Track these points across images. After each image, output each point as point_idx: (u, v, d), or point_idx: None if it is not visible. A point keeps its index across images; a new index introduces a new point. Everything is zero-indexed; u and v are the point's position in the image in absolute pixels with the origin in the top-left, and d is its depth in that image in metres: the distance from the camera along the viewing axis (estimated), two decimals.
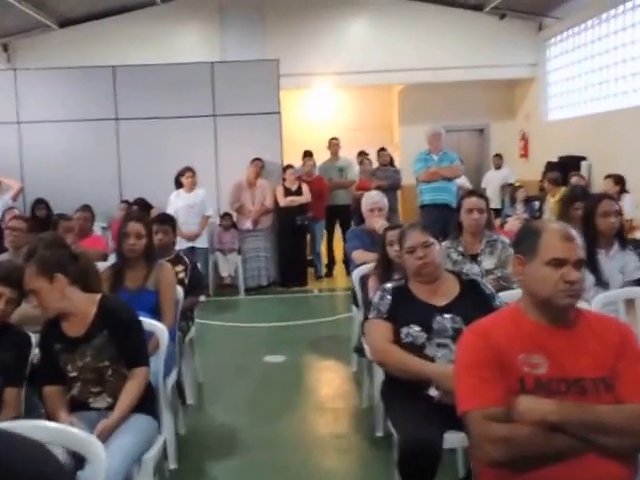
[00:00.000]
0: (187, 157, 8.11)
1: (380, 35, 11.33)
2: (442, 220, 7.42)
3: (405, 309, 2.99)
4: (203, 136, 8.53)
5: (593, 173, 9.46)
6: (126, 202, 8.20)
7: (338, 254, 9.18)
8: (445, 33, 11.32)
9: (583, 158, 9.80)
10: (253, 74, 8.58)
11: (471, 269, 4.11)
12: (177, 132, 8.46)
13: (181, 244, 7.60)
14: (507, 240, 4.26)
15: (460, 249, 4.17)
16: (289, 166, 8.48)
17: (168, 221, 4.75)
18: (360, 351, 4.49)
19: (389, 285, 3.13)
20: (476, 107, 12.09)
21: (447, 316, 2.94)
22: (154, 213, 8.00)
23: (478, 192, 4.37)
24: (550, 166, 10.10)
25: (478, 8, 11.34)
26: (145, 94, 8.49)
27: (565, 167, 9.38)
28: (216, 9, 11.11)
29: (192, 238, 7.70)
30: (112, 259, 4.96)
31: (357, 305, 4.82)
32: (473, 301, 2.99)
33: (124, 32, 10.85)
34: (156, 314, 3.70)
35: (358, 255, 4.89)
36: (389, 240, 4.09)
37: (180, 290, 4.16)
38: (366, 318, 3.26)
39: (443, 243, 4.12)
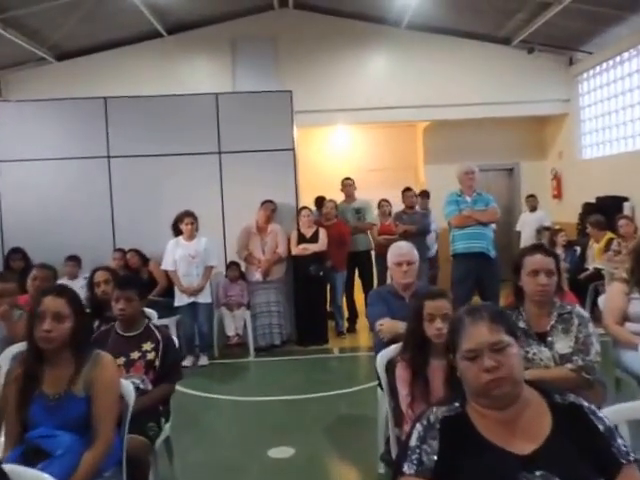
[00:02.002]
0: (189, 199, 6.91)
1: (401, 69, 10.14)
2: (477, 271, 6.11)
3: (466, 464, 1.65)
4: (207, 176, 7.28)
5: (637, 215, 8.04)
6: (120, 250, 6.97)
7: (360, 306, 7.79)
8: (471, 68, 10.08)
9: (625, 199, 8.42)
10: (264, 106, 7.35)
11: (540, 353, 2.84)
12: (178, 171, 7.25)
13: (182, 299, 6.33)
14: (584, 313, 2.92)
15: (522, 325, 2.91)
16: (304, 208, 7.17)
17: (132, 284, 3.43)
18: (388, 462, 3.11)
19: (436, 414, 1.76)
20: (505, 145, 10.77)
21: (538, 474, 1.60)
22: (152, 265, 6.77)
23: (544, 247, 3.03)
24: (588, 208, 8.77)
25: (505, 42, 10.10)
26: (140, 129, 7.28)
27: (605, 209, 8.08)
28: (228, 42, 9.98)
29: (194, 292, 6.39)
30: None
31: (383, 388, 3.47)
32: (577, 443, 1.66)
33: (126, 65, 9.73)
34: (88, 430, 2.36)
35: (386, 326, 3.57)
36: (428, 313, 2.78)
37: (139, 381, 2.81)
38: (397, 470, 1.77)
39: None
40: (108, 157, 7.28)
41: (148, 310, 4.50)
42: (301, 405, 5.10)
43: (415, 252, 3.87)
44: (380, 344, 3.63)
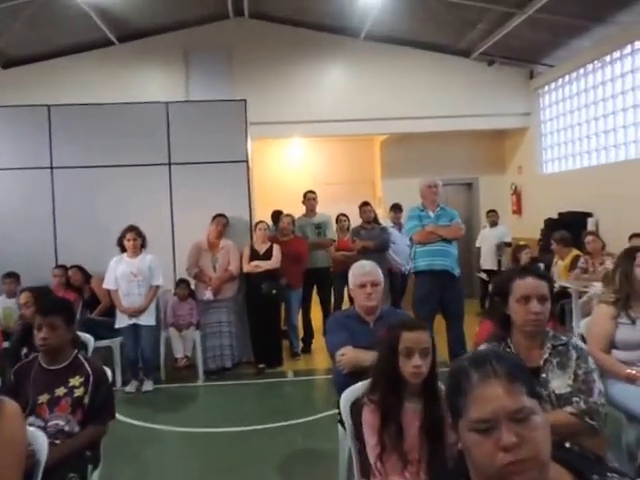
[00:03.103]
0: (137, 213, 6.46)
1: (359, 81, 9.85)
2: (440, 290, 5.82)
3: None
4: (156, 188, 6.83)
5: (602, 231, 7.89)
6: (62, 267, 6.47)
7: (317, 324, 7.43)
8: (430, 80, 9.88)
9: (589, 214, 8.27)
10: (217, 116, 6.96)
11: None
12: (125, 184, 6.78)
13: (123, 320, 5.86)
14: (582, 344, 2.57)
15: None
16: (260, 222, 6.78)
17: (56, 310, 2.99)
18: None
19: None
20: (464, 159, 10.57)
21: None
22: (95, 282, 6.29)
23: (536, 269, 2.69)
24: (551, 223, 8.60)
25: (465, 54, 9.93)
26: (86, 138, 6.81)
27: (568, 225, 7.90)
28: (181, 52, 9.56)
29: (134, 313, 5.91)
30: None
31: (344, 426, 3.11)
32: None
33: (75, 74, 9.20)
34: None
35: (347, 358, 3.18)
36: (405, 347, 2.45)
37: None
38: None
39: (479, 349, 2.50)
40: (51, 168, 6.79)
41: (84, 336, 4.06)
42: (253, 437, 4.65)
43: (380, 272, 3.52)
44: (340, 376, 3.27)
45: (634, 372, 3.03)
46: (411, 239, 5.98)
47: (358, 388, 2.74)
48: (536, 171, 10.04)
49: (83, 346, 3.81)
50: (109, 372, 3.12)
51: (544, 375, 2.49)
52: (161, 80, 9.53)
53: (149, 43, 9.57)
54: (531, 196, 10.10)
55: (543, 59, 9.68)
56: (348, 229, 7.85)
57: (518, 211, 10.41)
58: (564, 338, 2.53)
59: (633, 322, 3.16)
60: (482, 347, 2.58)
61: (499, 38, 8.97)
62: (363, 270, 3.48)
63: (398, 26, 9.45)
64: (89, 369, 2.96)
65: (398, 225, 8.00)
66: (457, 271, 5.98)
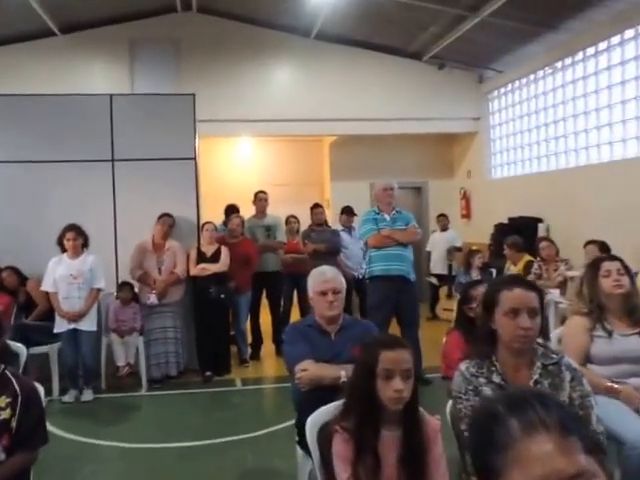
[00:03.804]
0: (78, 212, 6.02)
1: (309, 81, 9.61)
2: (396, 295, 5.62)
3: None
4: (98, 186, 6.39)
5: (553, 236, 7.85)
6: None
7: (266, 329, 7.11)
8: (380, 82, 9.71)
9: (539, 220, 8.23)
10: (163, 111, 6.57)
11: None
12: (65, 181, 6.32)
13: (62, 325, 5.42)
14: (574, 364, 2.35)
15: (495, 379, 2.26)
16: (207, 223, 6.42)
17: None
18: None
19: None
20: (413, 163, 10.44)
21: None
22: (31, 285, 5.82)
23: (524, 279, 2.46)
24: (501, 228, 8.52)
25: (416, 56, 9.82)
26: (22, 132, 6.32)
27: (518, 230, 7.85)
28: (126, 44, 9.10)
29: (74, 318, 5.48)
30: None
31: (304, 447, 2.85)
32: None
33: (13, 65, 8.62)
34: None
35: (308, 374, 2.90)
36: (385, 369, 2.18)
37: None
38: None
39: (461, 367, 2.24)
40: None
41: (15, 345, 3.65)
42: (200, 454, 4.32)
43: (342, 278, 3.25)
44: (299, 392, 2.98)
45: (616, 385, 2.85)
46: (366, 243, 5.76)
47: (326, 411, 2.45)
48: (485, 176, 10.01)
49: (14, 357, 3.41)
50: (41, 390, 2.74)
51: None
52: (105, 73, 9.05)
53: (93, 35, 9.08)
54: (480, 201, 10.06)
55: (493, 64, 9.65)
56: (298, 231, 7.60)
57: (467, 215, 10.35)
58: (555, 356, 2.30)
59: (609, 335, 2.98)
60: (463, 365, 2.34)
61: (450, 42, 8.87)
62: (324, 277, 3.20)
63: (349, 26, 9.25)
64: (17, 388, 2.57)
65: (349, 229, 7.74)
66: (413, 276, 5.81)
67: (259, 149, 11.05)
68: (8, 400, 2.55)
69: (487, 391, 2.20)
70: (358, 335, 3.09)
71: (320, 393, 2.81)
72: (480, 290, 3.44)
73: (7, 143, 6.30)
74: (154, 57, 9.13)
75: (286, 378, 6.03)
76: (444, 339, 3.70)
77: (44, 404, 2.80)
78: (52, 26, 8.70)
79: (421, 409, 2.23)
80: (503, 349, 2.28)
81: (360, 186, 10.11)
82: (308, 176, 10.97)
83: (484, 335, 2.35)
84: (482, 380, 2.24)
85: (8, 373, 2.64)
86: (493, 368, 2.27)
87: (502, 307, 2.25)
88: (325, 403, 2.64)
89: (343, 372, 2.89)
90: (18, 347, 3.54)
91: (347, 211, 7.95)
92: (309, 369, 2.91)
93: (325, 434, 2.30)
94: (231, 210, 7.27)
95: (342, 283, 3.22)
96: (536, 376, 2.24)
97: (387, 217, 5.78)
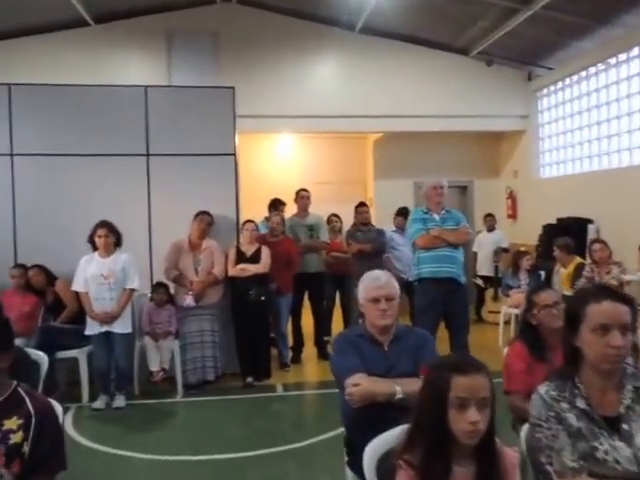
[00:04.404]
0: (111, 208, 5.67)
1: (353, 76, 9.18)
2: (445, 299, 5.17)
3: None
4: (132, 181, 6.04)
5: (603, 238, 7.30)
6: (21, 267, 5.65)
7: (308, 332, 6.73)
8: (426, 77, 9.25)
9: (589, 221, 7.68)
10: (202, 104, 6.19)
11: (614, 451, 1.83)
12: (97, 175, 5.96)
13: (93, 328, 5.11)
14: None
15: (581, 404, 1.90)
16: (248, 221, 6.03)
17: None
18: None
19: None
20: (459, 161, 9.93)
21: None
22: (60, 285, 5.51)
23: (614, 291, 2.02)
24: (550, 229, 8.00)
25: (463, 52, 9.31)
26: (53, 123, 5.96)
27: (567, 231, 7.33)
28: (163, 36, 8.78)
29: (106, 320, 5.14)
30: None
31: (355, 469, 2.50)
32: None
33: (45, 55, 8.38)
34: None
35: (360, 390, 2.54)
36: (458, 397, 1.78)
37: None
38: None
39: (540, 390, 1.98)
40: (11, 155, 5.91)
41: (37, 354, 3.31)
42: (239, 468, 3.91)
43: (396, 284, 2.84)
44: (349, 410, 2.61)
45: None
46: (414, 244, 5.31)
47: (387, 439, 2.05)
48: (533, 175, 9.45)
49: (35, 367, 3.07)
50: (59, 409, 2.38)
51: (626, 427, 1.86)
52: (140, 66, 8.74)
53: (128, 25, 8.77)
54: (527, 200, 9.50)
55: (542, 61, 9.11)
56: (340, 231, 7.20)
57: (513, 216, 9.81)
58: None
59: None
60: (542, 388, 1.98)
61: (500, 36, 8.36)
62: (377, 282, 2.79)
63: (396, 20, 8.80)
64: (31, 407, 2.21)
65: (402, 230, 7.21)
66: (463, 279, 5.35)
67: (300, 146, 10.64)
68: (20, 422, 2.18)
69: (571, 418, 1.81)
70: (413, 346, 2.74)
71: (373, 410, 2.51)
72: (543, 296, 3.10)
73: (35, 135, 5.94)
74: (192, 50, 8.80)
75: (330, 384, 5.59)
76: (505, 350, 3.26)
77: (62, 420, 2.45)
78: (86, 16, 8.42)
79: (497, 439, 1.84)
80: (588, 370, 1.93)
81: (404, 185, 9.68)
82: (350, 174, 10.53)
83: (566, 354, 1.99)
84: (564, 405, 1.91)
85: (21, 391, 2.28)
86: (576, 391, 1.92)
87: (589, 323, 1.90)
88: (378, 421, 2.36)
89: (398, 388, 2.55)
90: (39, 356, 3.20)
91: (403, 213, 7.42)
92: (361, 384, 2.56)
93: (386, 467, 1.93)
94: (276, 204, 6.89)
95: (396, 289, 2.81)
96: (627, 401, 1.88)
97: (436, 217, 5.32)
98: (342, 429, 4.11)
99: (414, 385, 2.58)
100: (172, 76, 8.69)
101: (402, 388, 2.52)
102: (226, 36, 8.90)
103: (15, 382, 2.28)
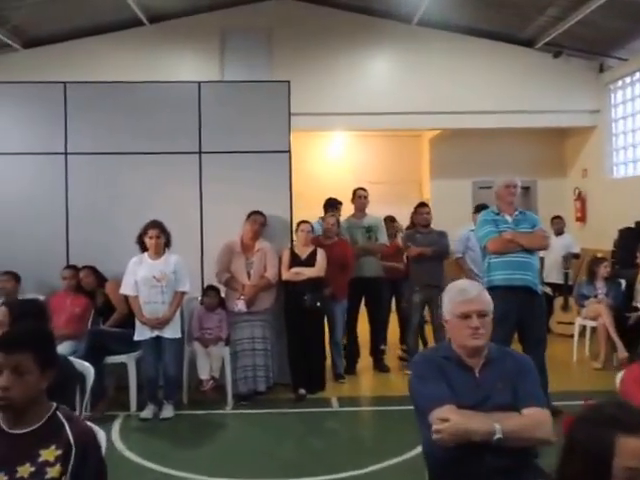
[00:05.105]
0: (161, 207, 5.42)
1: (409, 71, 8.79)
2: (519, 309, 4.72)
3: None
4: (183, 180, 5.78)
5: None
6: (72, 268, 5.47)
7: (363, 340, 6.35)
8: (488, 71, 8.76)
9: None
10: (255, 100, 5.90)
11: None
12: (148, 174, 5.74)
13: (143, 333, 4.84)
14: None
15: None
16: (303, 222, 5.68)
17: (28, 345, 1.93)
18: None
19: None
20: (522, 160, 9.37)
21: None
22: (110, 287, 5.28)
23: None
24: (628, 233, 7.41)
25: (529, 43, 8.79)
26: (106, 121, 5.77)
27: None
28: (217, 34, 8.56)
29: (157, 324, 4.87)
30: None
31: None
32: None
33: (102, 54, 8.27)
34: None
35: (452, 425, 2.14)
36: (628, 467, 1.31)
37: None
38: None
39: None
40: (65, 154, 5.76)
41: (82, 365, 3.03)
42: None
43: (488, 297, 2.43)
44: (433, 449, 2.22)
45: None
46: (484, 248, 4.88)
47: None
48: (605, 174, 8.85)
49: (79, 379, 2.79)
50: (102, 436, 2.07)
51: None
52: (194, 64, 8.55)
53: (182, 24, 8.61)
54: (598, 202, 8.90)
55: (615, 51, 8.51)
56: (396, 233, 6.81)
57: (582, 218, 9.21)
58: None
59: None
60: None
61: (570, 26, 7.83)
62: (466, 295, 2.38)
63: (455, 11, 8.37)
64: (71, 436, 1.90)
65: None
66: (539, 287, 4.90)
67: (353, 144, 10.28)
68: (58, 453, 1.88)
69: None
70: (510, 372, 2.31)
71: (465, 452, 2.11)
72: None
73: (89, 133, 5.77)
74: (245, 47, 8.56)
75: (390, 400, 5.26)
76: (619, 375, 2.82)
77: (105, 450, 2.14)
78: (141, 16, 8.30)
79: None
80: None
81: (462, 184, 9.23)
82: (404, 174, 10.11)
83: None
84: None
85: (60, 415, 1.97)
86: None
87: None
88: (471, 466, 2.09)
89: (498, 426, 2.13)
90: (84, 366, 2.93)
91: (480, 209, 6.88)
92: (452, 419, 2.14)
93: None
94: (332, 204, 6.55)
95: (489, 303, 2.39)
96: None
97: (509, 218, 4.87)
98: (410, 455, 3.74)
99: (516, 422, 2.18)
100: (225, 75, 8.47)
101: (502, 426, 2.11)
102: (280, 33, 8.62)
103: (54, 404, 1.99)
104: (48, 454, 1.88)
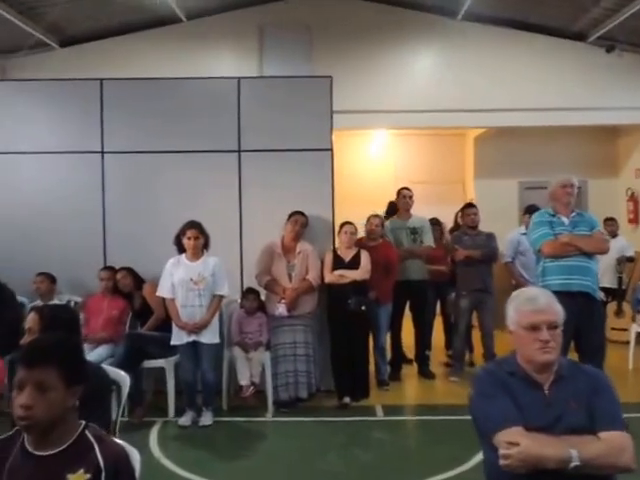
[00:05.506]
0: (199, 208, 5.28)
1: (453, 67, 8.46)
2: (577, 316, 4.40)
3: None
4: (222, 179, 5.63)
5: None
6: (110, 269, 5.37)
7: (408, 345, 6.13)
8: (536, 67, 8.38)
9: None
10: (296, 96, 5.72)
11: None
12: (186, 173, 5.61)
13: (180, 337, 4.71)
14: None
15: None
16: (346, 223, 5.47)
17: (53, 359, 1.77)
18: None
19: None
20: (570, 159, 8.95)
21: None
22: (147, 289, 5.17)
23: None
24: None
25: (580, 37, 8.40)
26: (143, 119, 5.66)
27: None
28: (255, 30, 8.40)
29: (194, 329, 4.73)
30: None
31: None
32: None
33: (139, 52, 8.20)
34: None
35: (522, 451, 1.96)
36: None
37: None
38: None
39: None
40: (102, 152, 5.67)
41: (118, 375, 2.87)
42: None
43: (559, 306, 2.20)
44: (499, 476, 2.01)
45: None
46: (539, 251, 4.60)
47: None
48: None
49: (112, 388, 2.65)
50: (136, 458, 1.90)
51: None
52: (232, 61, 8.38)
53: (220, 20, 8.43)
54: None
55: None
56: (441, 235, 6.57)
57: (635, 220, 8.79)
58: None
59: None
60: None
61: (625, 18, 7.44)
62: (534, 304, 2.16)
63: (502, 4, 8.05)
64: (101, 458, 1.74)
65: None
66: (598, 294, 4.60)
67: (394, 144, 10.00)
68: (87, 477, 1.72)
69: None
70: (584, 390, 2.08)
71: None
72: None
73: (126, 132, 5.67)
74: (284, 44, 8.36)
75: (438, 409, 5.01)
76: None
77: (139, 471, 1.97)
78: (179, 12, 8.20)
79: None
80: None
81: (508, 185, 8.91)
82: (447, 173, 9.80)
83: None
84: None
85: (90, 435, 1.80)
86: None
87: None
88: None
89: (574, 452, 1.92)
90: (120, 377, 2.77)
91: (531, 210, 6.43)
92: (522, 443, 1.93)
93: None
94: (393, 209, 6.36)
95: (561, 314, 2.17)
96: None
97: (565, 220, 4.59)
98: (462, 469, 3.50)
99: (595, 448, 1.94)
100: (264, 72, 8.30)
101: (579, 452, 1.89)
102: (319, 28, 8.39)
103: (83, 423, 1.83)
104: (76, 478, 1.72)
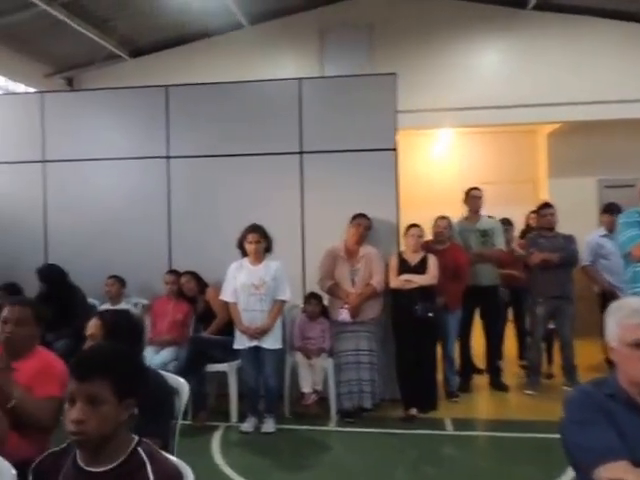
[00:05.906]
0: (261, 211, 5.15)
1: (524, 60, 8.18)
2: None
3: None
4: (284, 182, 5.54)
5: None
6: (174, 273, 5.38)
7: (477, 355, 5.83)
8: (614, 56, 8.01)
9: None
10: (358, 95, 5.55)
11: None
12: (249, 176, 5.56)
13: (242, 342, 4.59)
14: None
15: None
16: (413, 226, 5.22)
17: (105, 371, 1.64)
18: None
19: None
20: None
21: None
22: (211, 293, 5.09)
23: None
24: None
25: None
26: (207, 124, 5.70)
27: None
28: (316, 32, 8.32)
29: (256, 334, 4.60)
30: None
31: None
32: None
33: (204, 60, 8.33)
34: None
35: None
36: None
37: None
38: None
39: None
40: (167, 157, 5.72)
41: (177, 381, 2.74)
42: None
43: None
44: None
45: None
46: (628, 255, 4.23)
47: None
48: None
49: (172, 395, 2.51)
50: (189, 475, 1.74)
51: None
52: (293, 63, 8.38)
53: (281, 23, 8.52)
54: None
55: None
56: (512, 237, 6.25)
57: None
58: None
59: None
60: None
61: None
62: (638, 317, 1.89)
63: None
64: (152, 477, 1.59)
65: (611, 232, 5.82)
66: None
67: (460, 143, 9.71)
68: None
69: None
70: None
71: None
72: None
73: (191, 137, 5.72)
74: (345, 44, 8.27)
75: (512, 425, 4.68)
76: None
77: None
78: (241, 18, 8.22)
79: None
80: None
81: (585, 183, 8.46)
82: (516, 172, 9.44)
83: None
84: None
85: (142, 452, 1.67)
86: None
87: None
88: None
89: None
90: (179, 383, 2.64)
91: (611, 209, 5.96)
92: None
93: None
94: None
95: None
96: None
97: None
98: None
99: None
100: (325, 73, 8.20)
101: None
102: (381, 27, 8.26)
103: (136, 438, 1.68)
104: None
